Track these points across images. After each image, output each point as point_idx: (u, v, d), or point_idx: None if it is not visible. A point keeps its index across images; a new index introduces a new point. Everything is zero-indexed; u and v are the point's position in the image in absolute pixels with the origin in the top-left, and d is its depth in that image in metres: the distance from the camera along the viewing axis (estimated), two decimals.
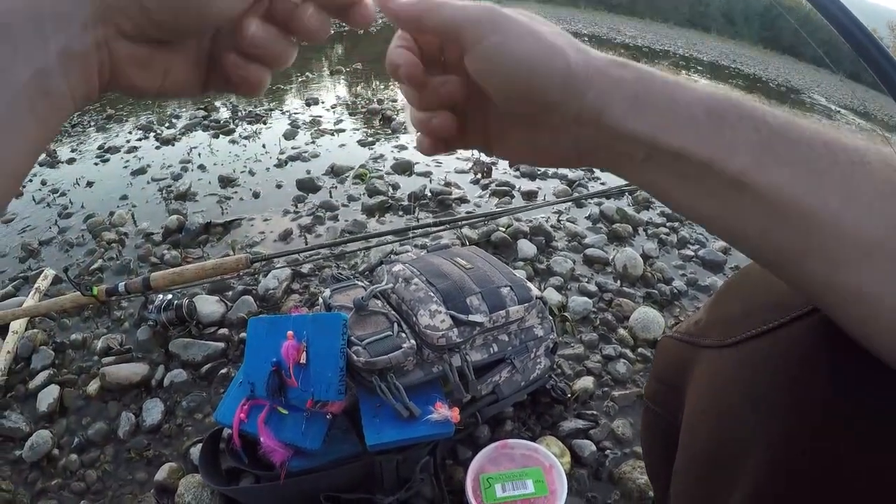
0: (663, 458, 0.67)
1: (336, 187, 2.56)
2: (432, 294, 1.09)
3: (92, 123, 3.72)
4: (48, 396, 1.38)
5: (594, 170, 2.70)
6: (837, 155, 0.36)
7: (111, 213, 2.35)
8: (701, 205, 0.41)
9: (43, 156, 3.08)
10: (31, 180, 2.80)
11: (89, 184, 2.72)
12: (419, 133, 0.49)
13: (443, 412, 0.99)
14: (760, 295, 0.52)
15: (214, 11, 0.37)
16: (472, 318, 1.06)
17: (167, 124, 3.56)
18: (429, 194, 2.45)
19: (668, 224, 2.27)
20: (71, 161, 3.05)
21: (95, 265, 1.98)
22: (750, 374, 0.48)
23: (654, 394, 0.72)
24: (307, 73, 5.21)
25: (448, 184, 2.56)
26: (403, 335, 1.04)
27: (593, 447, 1.22)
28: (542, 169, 2.71)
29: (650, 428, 0.76)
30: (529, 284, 1.20)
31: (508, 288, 1.14)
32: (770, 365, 0.46)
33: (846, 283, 0.36)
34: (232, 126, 3.46)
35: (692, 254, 2.07)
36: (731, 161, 0.38)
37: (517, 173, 2.73)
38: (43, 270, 1.90)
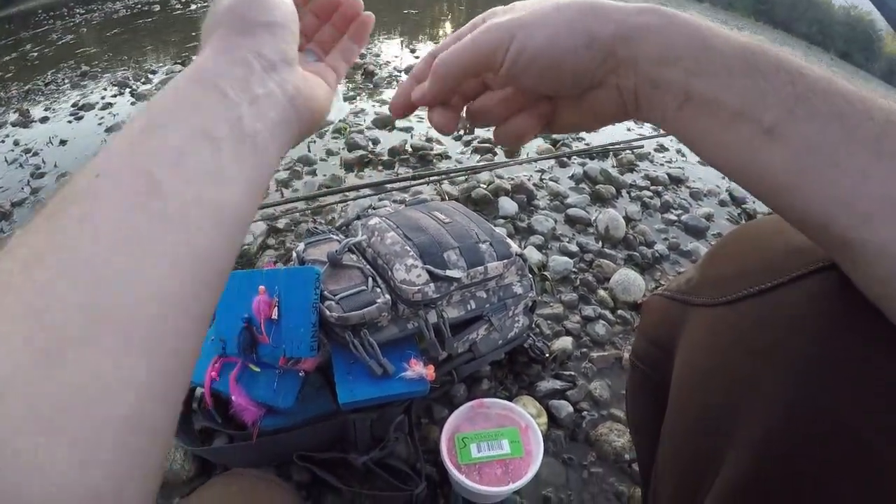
0: (650, 416, 0.67)
1: (314, 142, 2.49)
2: (409, 248, 1.06)
3: (66, 81, 3.63)
4: None
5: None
6: (872, 112, 0.36)
7: None
8: (731, 155, 0.41)
9: (15, 115, 3.01)
10: (3, 141, 2.74)
11: (62, 142, 2.66)
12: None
13: (418, 370, 0.97)
14: (752, 257, 0.52)
15: (282, 21, 0.47)
16: (449, 273, 1.03)
17: (143, 79, 3.47)
18: (410, 150, 2.40)
19: (651, 187, 2.24)
20: (44, 120, 2.98)
21: None
22: (749, 332, 0.47)
23: (642, 352, 0.71)
24: None
25: (430, 139, 2.50)
26: (378, 290, 1.01)
27: (570, 408, 1.20)
28: None
29: (637, 387, 0.75)
30: (509, 241, 1.17)
31: (488, 243, 1.11)
32: (770, 322, 0.46)
33: (870, 240, 0.35)
34: None
35: (675, 218, 2.05)
36: (765, 112, 0.38)
37: None
38: (15, 232, 1.84)
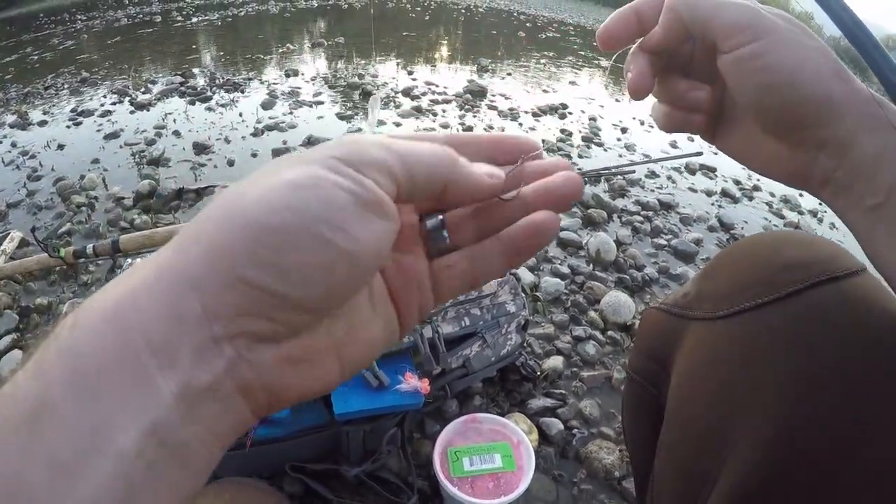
0: (647, 429, 0.67)
1: None
2: None
3: (66, 86, 3.64)
4: (11, 362, 1.36)
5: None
6: None
7: (82, 177, 2.30)
8: None
9: (13, 118, 3.02)
10: (0, 142, 2.74)
11: (60, 146, 2.67)
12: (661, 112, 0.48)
13: (413, 383, 0.99)
14: (749, 273, 0.52)
15: (363, 265, 0.27)
16: None
17: (143, 89, 3.49)
18: None
19: (642, 212, 2.28)
20: (42, 123, 2.99)
21: (64, 228, 1.94)
22: (748, 345, 0.48)
23: (639, 365, 0.71)
24: (288, 45, 5.14)
25: None
26: None
27: (561, 426, 1.22)
28: None
29: (633, 399, 0.76)
30: None
31: None
32: (766, 336, 0.47)
33: None
34: (209, 93, 3.40)
35: (665, 243, 2.08)
36: None
37: None
38: (9, 233, 1.85)
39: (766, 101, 0.40)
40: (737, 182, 2.77)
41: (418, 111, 3.28)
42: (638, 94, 0.44)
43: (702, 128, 0.47)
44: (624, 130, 3.36)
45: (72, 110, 3.15)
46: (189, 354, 0.23)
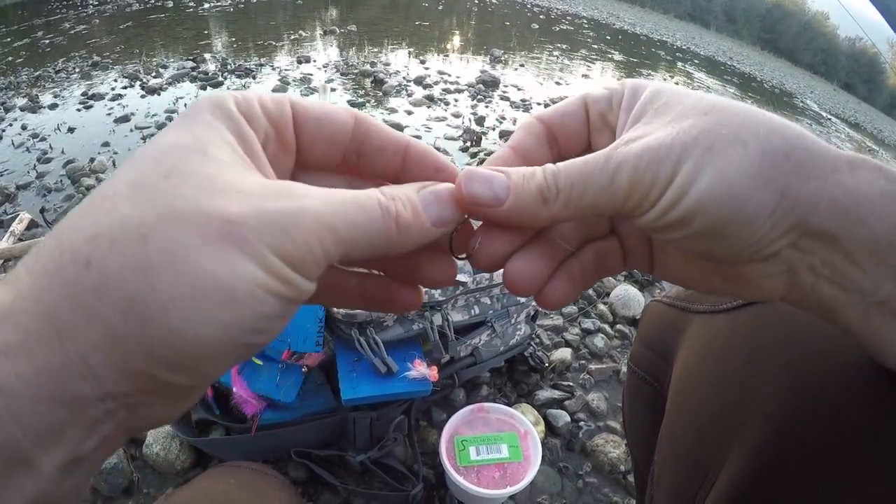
0: (647, 422, 0.67)
1: None
2: None
3: (76, 70, 3.64)
4: None
5: None
6: None
7: (92, 160, 2.30)
8: None
9: (24, 101, 3.02)
10: (10, 125, 2.75)
11: (70, 129, 2.67)
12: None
13: (421, 370, 0.98)
14: None
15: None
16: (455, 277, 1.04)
17: (154, 73, 3.48)
18: None
19: None
20: (53, 106, 2.98)
21: (73, 210, 1.94)
22: (750, 338, 0.48)
23: (640, 358, 0.71)
24: (300, 32, 5.13)
25: (437, 149, 2.51)
26: None
27: (567, 418, 1.21)
28: None
29: (634, 392, 0.75)
30: None
31: None
32: (768, 329, 0.46)
33: None
34: (220, 79, 3.39)
35: None
36: None
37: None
38: (19, 214, 1.85)
39: (705, 245, 0.30)
40: None
41: (430, 100, 3.27)
42: (553, 300, 0.34)
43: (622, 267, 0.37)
44: None
45: (82, 94, 3.14)
46: (78, 432, 0.22)
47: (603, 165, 0.29)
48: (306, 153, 0.31)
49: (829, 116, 8.81)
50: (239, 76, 3.47)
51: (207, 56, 3.93)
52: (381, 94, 3.30)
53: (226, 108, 0.27)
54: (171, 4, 6.47)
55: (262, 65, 3.80)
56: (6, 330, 0.21)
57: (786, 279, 0.31)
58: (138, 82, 3.32)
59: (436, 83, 3.65)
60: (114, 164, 2.28)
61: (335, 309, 0.97)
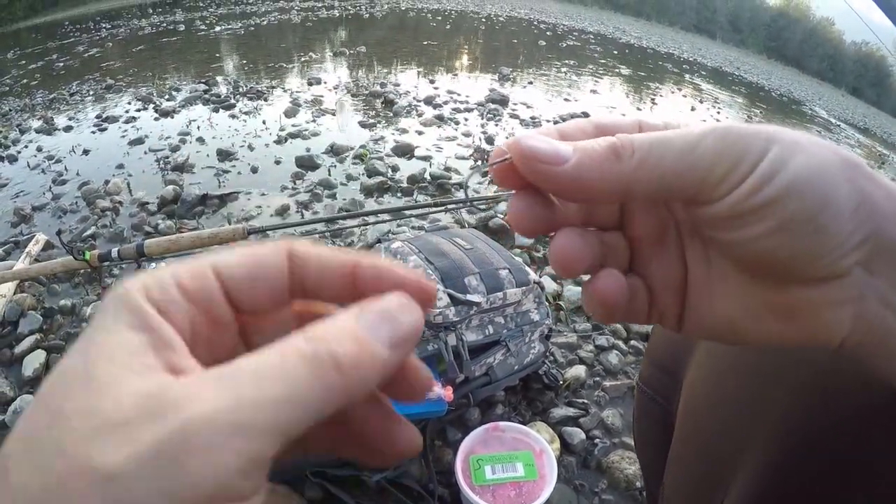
0: (657, 442, 0.67)
1: (335, 166, 2.55)
2: (430, 272, 1.08)
3: (91, 93, 3.70)
4: (34, 361, 1.37)
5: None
6: None
7: (106, 182, 2.34)
8: None
9: (39, 122, 3.07)
10: (26, 146, 2.80)
11: (85, 152, 2.71)
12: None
13: (437, 390, 0.98)
14: None
15: None
16: (469, 297, 1.05)
17: (167, 96, 3.53)
18: (428, 178, 2.44)
19: None
20: (68, 129, 3.04)
21: (89, 232, 1.97)
22: (756, 358, 0.48)
23: (649, 377, 0.71)
24: (310, 54, 5.18)
25: (448, 168, 2.54)
26: None
27: (583, 435, 1.21)
28: None
29: (644, 411, 0.76)
30: (528, 269, 1.19)
31: (507, 270, 1.13)
32: (776, 349, 0.46)
33: None
34: (232, 101, 3.44)
35: None
36: None
37: None
38: (35, 235, 1.88)
39: (793, 240, 0.26)
40: None
41: (440, 119, 3.29)
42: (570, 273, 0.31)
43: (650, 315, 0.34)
44: None
45: (97, 116, 3.20)
46: None
47: (685, 132, 0.27)
48: (251, 313, 0.26)
49: (838, 123, 8.78)
50: (251, 98, 3.52)
51: (219, 79, 3.99)
52: (391, 114, 3.33)
53: (131, 304, 0.22)
54: (182, 28, 6.57)
55: (273, 87, 3.85)
56: None
57: (853, 311, 0.27)
58: (151, 105, 3.37)
59: (445, 102, 3.68)
60: (128, 187, 2.31)
61: None
